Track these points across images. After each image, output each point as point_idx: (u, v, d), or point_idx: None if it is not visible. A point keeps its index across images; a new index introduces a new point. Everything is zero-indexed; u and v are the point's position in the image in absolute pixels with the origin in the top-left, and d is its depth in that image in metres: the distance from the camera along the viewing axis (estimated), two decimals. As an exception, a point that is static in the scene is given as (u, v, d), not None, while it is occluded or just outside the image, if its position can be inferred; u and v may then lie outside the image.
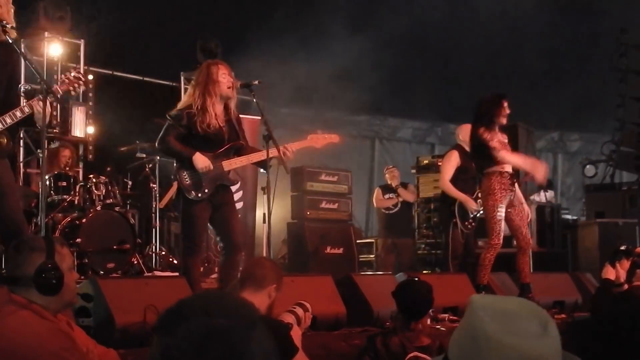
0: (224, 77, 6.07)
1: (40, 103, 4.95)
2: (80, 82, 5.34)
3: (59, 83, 5.29)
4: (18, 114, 4.93)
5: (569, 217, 13.19)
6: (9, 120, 4.91)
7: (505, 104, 7.43)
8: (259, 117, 10.15)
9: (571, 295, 8.25)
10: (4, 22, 4.96)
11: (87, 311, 4.81)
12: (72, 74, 5.33)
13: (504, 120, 7.45)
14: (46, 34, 10.17)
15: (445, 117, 16.35)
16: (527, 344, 1.60)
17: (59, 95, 5.23)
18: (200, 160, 5.93)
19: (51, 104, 5.08)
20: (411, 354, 4.38)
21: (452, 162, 8.49)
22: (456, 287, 7.12)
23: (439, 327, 6.08)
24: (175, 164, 6.16)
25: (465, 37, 14.97)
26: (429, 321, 4.80)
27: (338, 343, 5.61)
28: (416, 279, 4.87)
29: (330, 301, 6.24)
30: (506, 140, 7.50)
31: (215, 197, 6.05)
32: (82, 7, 10.45)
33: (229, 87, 6.07)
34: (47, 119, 5.06)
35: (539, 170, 7.68)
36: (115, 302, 4.90)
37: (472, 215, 8.17)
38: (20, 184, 8.66)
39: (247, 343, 1.38)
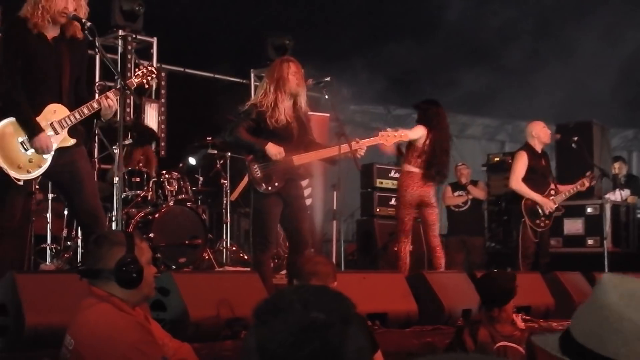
0: (294, 74, 6.11)
1: (106, 99, 5.05)
2: (153, 75, 5.46)
3: (133, 77, 5.43)
4: (95, 105, 5.06)
5: (644, 216, 12.86)
6: (86, 111, 5.06)
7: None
8: (327, 114, 10.26)
9: (647, 297, 8.04)
10: (83, 19, 5.05)
11: (162, 305, 4.87)
12: (145, 68, 5.49)
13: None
14: (120, 31, 10.34)
15: (516, 115, 16.11)
16: None
17: (132, 88, 5.35)
18: (273, 147, 5.98)
19: (125, 97, 5.22)
20: (500, 343, 4.31)
21: (522, 163, 8.35)
22: (529, 286, 6.99)
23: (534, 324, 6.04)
24: (246, 158, 6.19)
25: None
26: (519, 318, 4.70)
27: (409, 340, 5.57)
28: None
29: (402, 298, 6.22)
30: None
31: (285, 192, 6.07)
32: (155, 5, 10.57)
33: (298, 85, 6.11)
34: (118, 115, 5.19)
35: None
36: (190, 297, 4.94)
37: (542, 214, 8.09)
38: (96, 179, 8.81)
39: (342, 338, 1.37)
